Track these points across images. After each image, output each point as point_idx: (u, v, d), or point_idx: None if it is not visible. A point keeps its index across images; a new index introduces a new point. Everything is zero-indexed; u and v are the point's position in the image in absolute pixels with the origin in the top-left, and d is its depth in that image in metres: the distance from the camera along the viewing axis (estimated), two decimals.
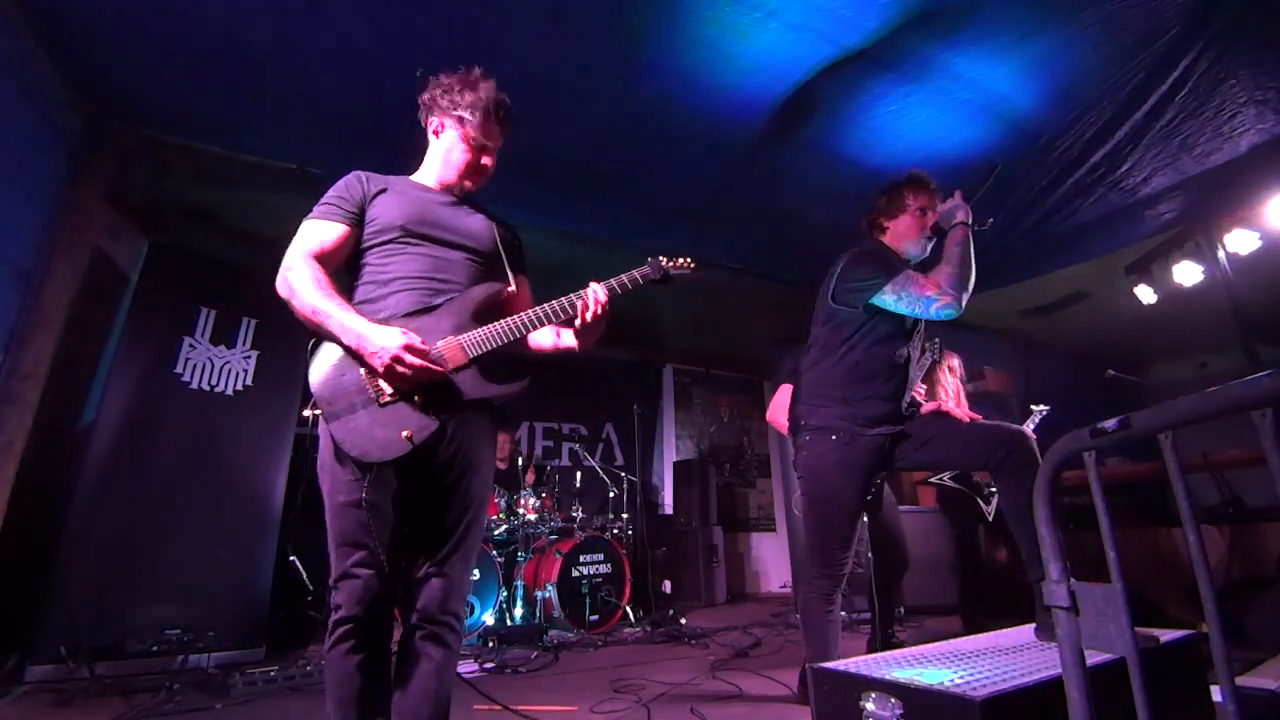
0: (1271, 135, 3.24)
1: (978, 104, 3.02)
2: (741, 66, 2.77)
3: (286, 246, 1.41)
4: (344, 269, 1.49)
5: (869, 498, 2.30)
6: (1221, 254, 3.87)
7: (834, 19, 2.51)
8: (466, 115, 1.51)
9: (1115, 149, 3.31)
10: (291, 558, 3.56)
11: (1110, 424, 0.90)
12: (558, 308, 1.47)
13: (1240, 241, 3.80)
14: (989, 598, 3.44)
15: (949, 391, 3.31)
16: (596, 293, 1.48)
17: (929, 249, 2.14)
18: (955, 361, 3.43)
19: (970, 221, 1.98)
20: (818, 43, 2.63)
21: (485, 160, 1.56)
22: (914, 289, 1.88)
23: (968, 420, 2.10)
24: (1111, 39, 2.63)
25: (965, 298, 1.88)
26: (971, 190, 2.08)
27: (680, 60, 2.73)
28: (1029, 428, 3.38)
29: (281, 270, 1.38)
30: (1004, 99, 2.99)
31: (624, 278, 1.54)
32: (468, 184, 1.57)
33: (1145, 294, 4.43)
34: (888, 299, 1.92)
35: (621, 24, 2.54)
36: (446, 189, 1.58)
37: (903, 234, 2.13)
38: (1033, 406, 3.49)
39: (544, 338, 1.61)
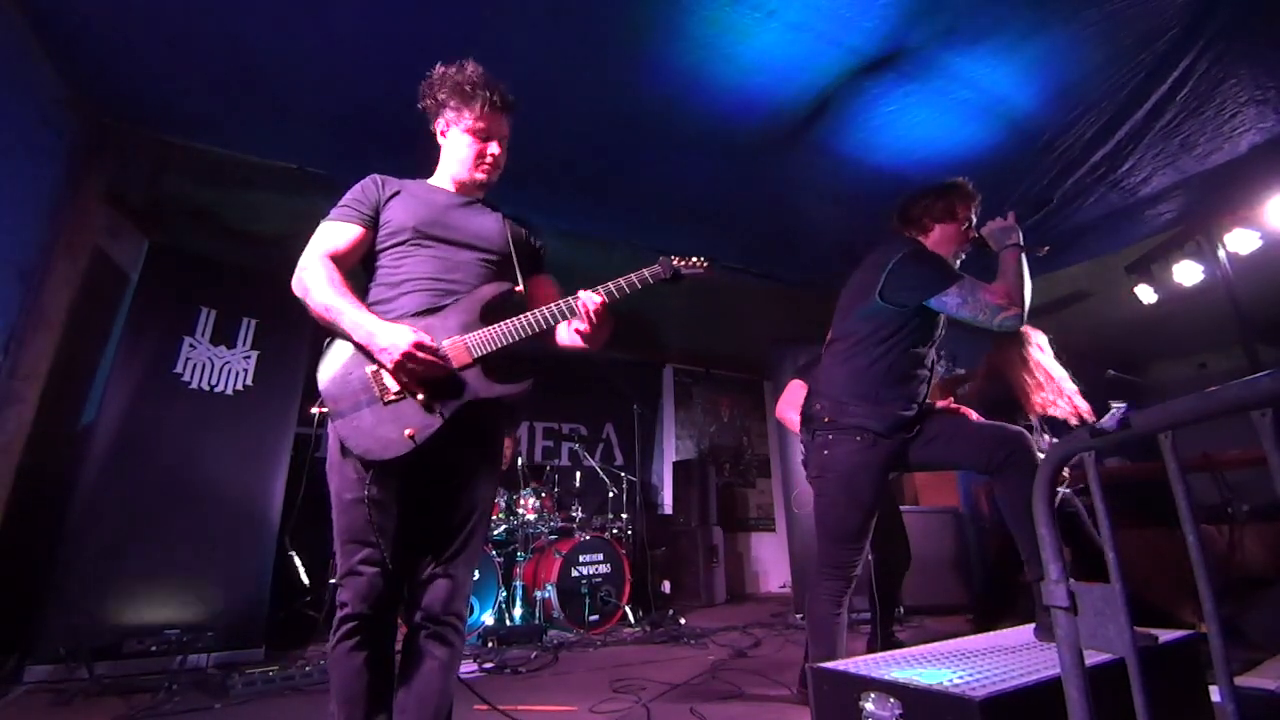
0: (1271, 135, 3.24)
1: (978, 104, 3.02)
2: (742, 66, 2.77)
3: (287, 246, 1.43)
4: (360, 271, 1.50)
5: None
6: (1221, 254, 3.86)
7: (834, 19, 2.51)
8: (464, 108, 1.51)
9: (1115, 149, 3.31)
10: (290, 552, 3.56)
11: (1110, 424, 0.90)
12: (561, 309, 1.46)
13: (1240, 241, 3.80)
14: (1005, 600, 3.36)
15: (1042, 375, 2.97)
16: (587, 301, 1.43)
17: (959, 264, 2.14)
18: (1043, 339, 3.11)
19: (1023, 244, 1.96)
20: (818, 43, 2.63)
21: (493, 150, 1.55)
22: (984, 295, 1.86)
23: (971, 419, 2.09)
24: (1111, 39, 2.63)
25: (1025, 314, 1.88)
26: (1022, 216, 2.07)
27: (681, 60, 2.73)
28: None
29: (297, 270, 1.40)
30: (1004, 99, 2.99)
31: (633, 277, 1.51)
32: (479, 176, 1.56)
33: (1145, 294, 4.43)
34: (949, 301, 1.89)
35: (622, 23, 2.54)
36: (461, 189, 1.58)
37: (945, 241, 2.10)
38: (1112, 403, 3.35)
39: (561, 334, 1.58)
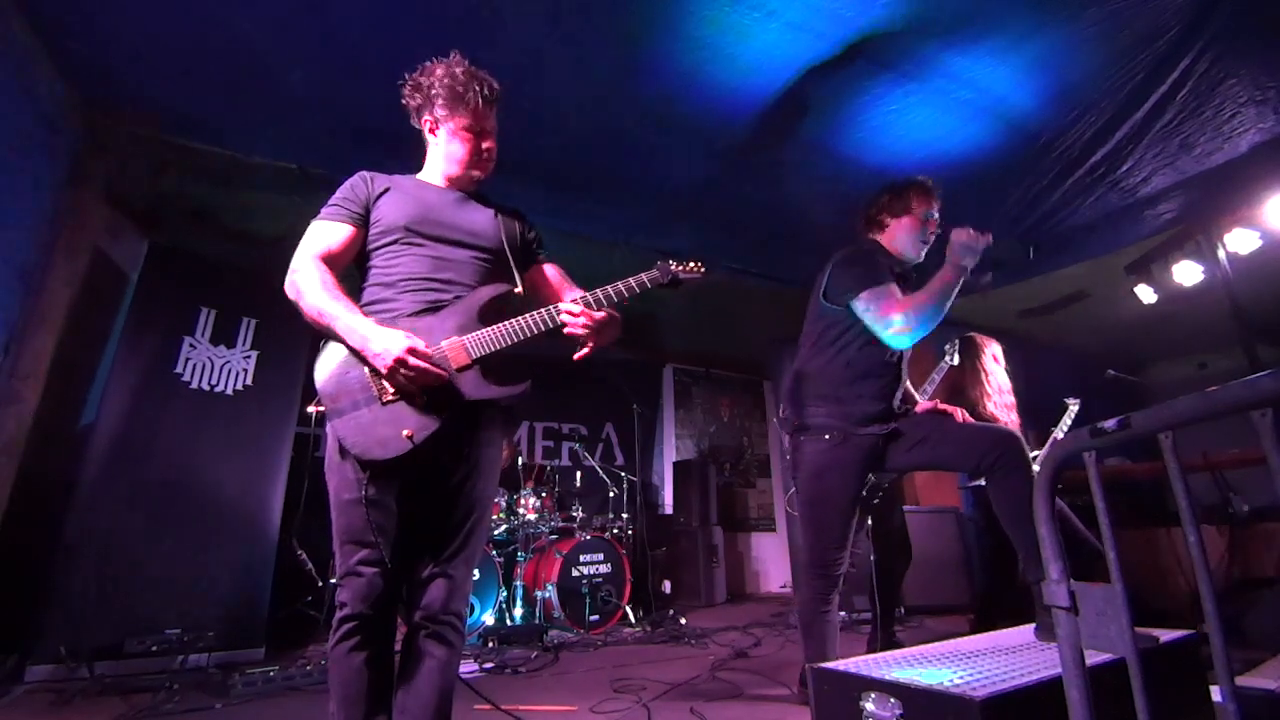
0: (1271, 135, 3.24)
1: (978, 104, 3.02)
2: (741, 66, 2.78)
3: (287, 246, 1.43)
4: (354, 269, 1.50)
5: (876, 501, 2.29)
6: (1221, 254, 3.86)
7: (834, 19, 2.51)
8: (456, 107, 1.49)
9: (1115, 149, 3.32)
10: (300, 552, 3.57)
11: (1110, 424, 0.90)
12: (554, 313, 1.43)
13: (1240, 241, 3.79)
14: (1005, 600, 3.37)
15: (994, 385, 3.04)
16: (578, 308, 1.41)
17: (924, 253, 2.18)
18: (998, 349, 3.16)
19: (970, 269, 1.90)
20: (818, 42, 2.64)
21: (486, 144, 1.54)
22: (881, 308, 1.89)
23: (959, 419, 2.10)
24: (1111, 39, 2.63)
25: (923, 334, 1.88)
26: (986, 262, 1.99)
27: (680, 60, 2.74)
28: (1065, 426, 3.29)
29: (289, 273, 1.39)
30: (1004, 99, 2.99)
31: (631, 281, 1.49)
32: (477, 174, 1.56)
33: (1145, 294, 4.42)
34: (858, 306, 1.95)
35: (621, 24, 2.54)
36: (452, 184, 1.57)
37: (902, 235, 2.15)
38: (1067, 400, 3.39)
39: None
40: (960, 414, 2.11)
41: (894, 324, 1.87)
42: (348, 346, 1.34)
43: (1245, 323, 3.83)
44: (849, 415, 1.96)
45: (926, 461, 2.00)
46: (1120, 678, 0.86)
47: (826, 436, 1.97)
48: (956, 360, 3.12)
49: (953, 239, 1.94)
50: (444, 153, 1.56)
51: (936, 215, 2.16)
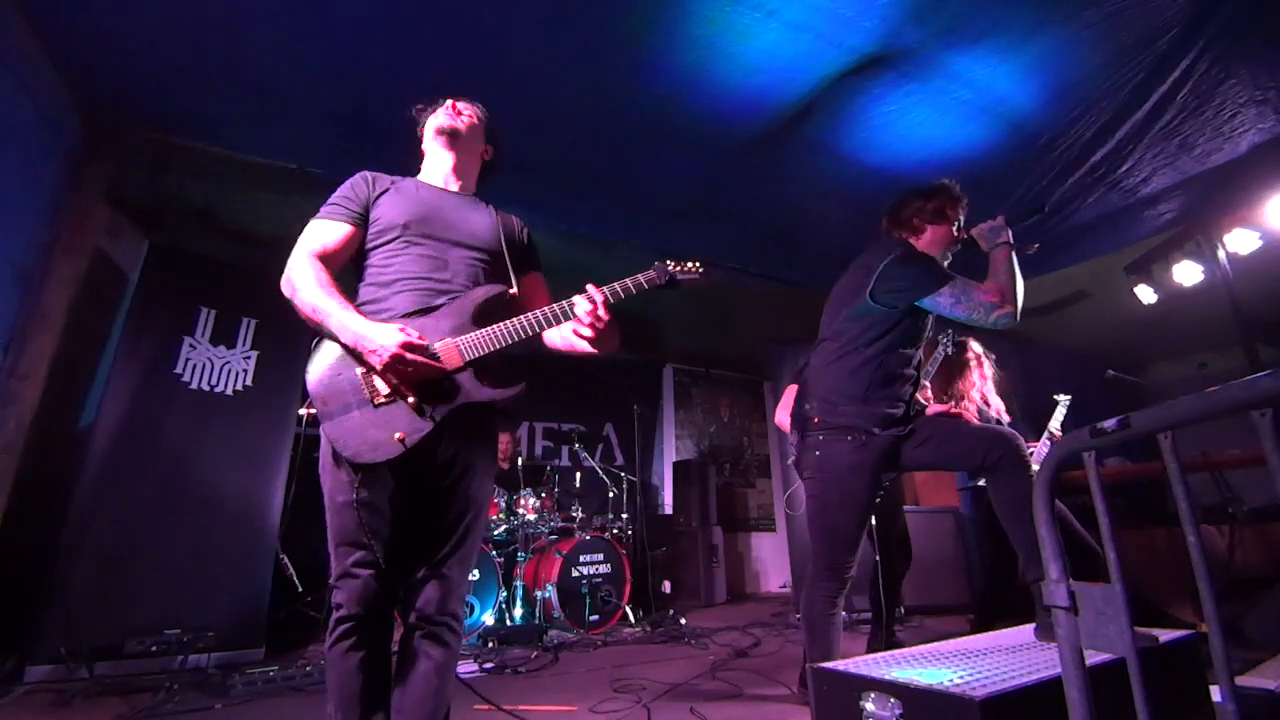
0: (1272, 135, 3.24)
1: (978, 104, 3.02)
2: (742, 66, 2.78)
3: (287, 246, 1.43)
4: (351, 269, 1.50)
5: (877, 500, 2.30)
6: (1221, 254, 3.86)
7: (834, 19, 2.51)
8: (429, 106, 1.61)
9: (1115, 149, 3.32)
10: (281, 556, 3.56)
11: (1110, 424, 0.90)
12: (556, 311, 1.42)
13: (1240, 241, 3.79)
14: (1005, 600, 3.37)
15: (991, 402, 3.07)
16: (590, 301, 1.39)
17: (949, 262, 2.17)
18: (991, 388, 3.17)
19: (1013, 242, 1.98)
20: (818, 42, 2.64)
21: (454, 104, 1.61)
22: (978, 295, 1.88)
23: (964, 421, 2.11)
24: (1111, 39, 2.63)
25: (1019, 312, 1.90)
26: (1013, 219, 2.09)
27: (680, 60, 2.74)
28: (1056, 422, 3.29)
29: (286, 270, 1.39)
30: (1004, 99, 2.99)
31: (627, 282, 1.47)
32: (449, 124, 1.59)
33: (1145, 294, 4.42)
34: (941, 301, 1.91)
35: (622, 24, 2.54)
36: (449, 183, 1.59)
37: (937, 243, 2.13)
38: (1056, 397, 3.39)
39: (554, 337, 1.56)
40: (967, 415, 2.12)
41: (998, 306, 1.86)
42: (341, 344, 1.34)
43: (1245, 323, 3.83)
44: (873, 416, 1.94)
45: (930, 460, 2.00)
46: (1120, 678, 0.86)
47: (849, 438, 1.95)
48: (952, 351, 3.11)
49: (975, 233, 2.05)
50: (432, 143, 1.60)
51: (962, 221, 2.15)
